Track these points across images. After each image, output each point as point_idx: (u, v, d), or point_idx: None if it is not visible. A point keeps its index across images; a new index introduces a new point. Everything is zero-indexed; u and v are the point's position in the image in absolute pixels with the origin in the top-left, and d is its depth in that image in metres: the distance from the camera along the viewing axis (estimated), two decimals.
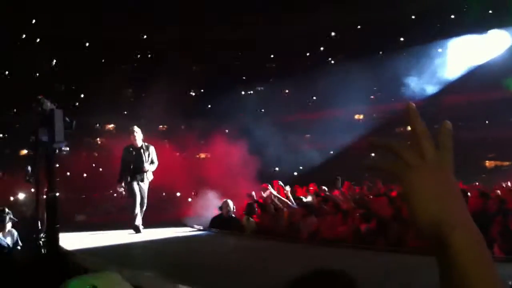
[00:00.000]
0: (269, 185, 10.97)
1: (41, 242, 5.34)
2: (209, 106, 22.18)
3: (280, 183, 11.77)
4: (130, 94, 23.50)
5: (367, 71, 17.43)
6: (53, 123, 5.27)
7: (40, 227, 5.33)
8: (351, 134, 18.23)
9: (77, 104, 19.44)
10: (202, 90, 24.49)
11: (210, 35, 21.66)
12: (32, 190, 5.83)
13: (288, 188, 11.22)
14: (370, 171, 0.96)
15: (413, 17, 20.36)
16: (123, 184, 9.29)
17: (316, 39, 21.77)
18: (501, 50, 18.53)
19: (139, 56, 23.35)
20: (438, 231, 0.87)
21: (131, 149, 9.24)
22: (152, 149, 9.37)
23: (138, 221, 8.97)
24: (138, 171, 9.13)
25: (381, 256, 6.06)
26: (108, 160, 13.84)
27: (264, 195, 10.87)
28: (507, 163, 21.38)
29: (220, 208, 9.94)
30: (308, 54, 22.98)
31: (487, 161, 21.14)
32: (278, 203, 10.02)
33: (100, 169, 18.18)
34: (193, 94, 24.74)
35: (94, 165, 19.33)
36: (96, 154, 20.20)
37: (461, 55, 19.20)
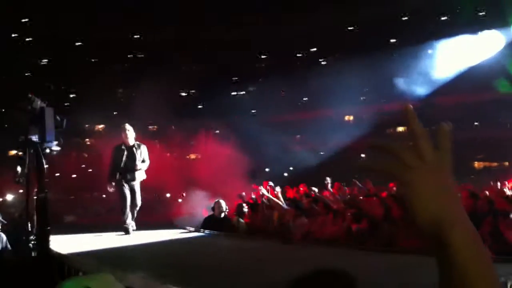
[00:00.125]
0: (261, 186, 10.95)
1: (31, 244, 5.21)
2: (200, 106, 22.14)
3: (271, 183, 11.78)
4: (120, 94, 23.37)
5: (358, 72, 17.48)
6: (44, 122, 5.13)
7: (30, 229, 5.19)
8: (341, 134, 18.27)
9: (66, 104, 19.29)
10: (193, 91, 24.42)
11: (202, 36, 21.64)
12: (21, 191, 5.74)
13: (278, 189, 11.21)
14: (367, 171, 0.97)
15: (404, 18, 20.46)
16: (113, 184, 9.13)
17: (307, 40, 21.79)
18: (493, 51, 18.63)
19: (129, 56, 23.22)
20: (438, 230, 0.89)
21: (122, 147, 9.05)
22: (144, 148, 9.23)
23: (129, 222, 8.87)
24: (129, 170, 8.97)
25: (373, 256, 6.08)
26: (98, 161, 13.74)
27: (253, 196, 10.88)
28: (495, 164, 21.57)
29: (212, 208, 9.90)
30: (299, 55, 23.01)
31: (476, 162, 21.30)
32: (269, 203, 10.01)
33: (90, 170, 18.07)
34: (184, 94, 24.67)
35: (83, 165, 19.21)
36: (86, 155, 20.07)
37: (452, 56, 19.30)
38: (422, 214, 0.91)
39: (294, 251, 6.83)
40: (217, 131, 18.85)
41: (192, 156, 19.52)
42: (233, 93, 23.46)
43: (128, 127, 9.18)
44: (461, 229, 0.88)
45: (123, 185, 8.94)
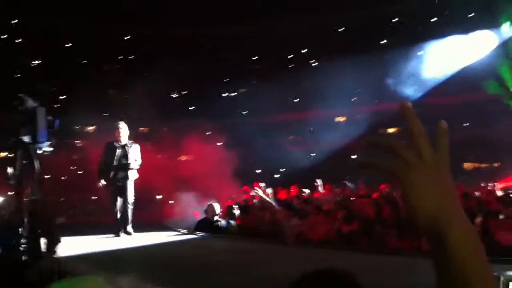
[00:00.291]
0: (256, 188, 10.90)
1: (22, 247, 5.10)
2: (192, 107, 22.06)
3: (262, 185, 11.76)
4: (111, 95, 23.23)
5: (349, 73, 17.51)
6: (36, 122, 5.05)
7: (21, 232, 5.07)
8: (333, 135, 18.30)
9: (57, 105, 19.17)
10: (184, 92, 24.33)
11: (193, 36, 21.58)
12: (9, 193, 5.63)
13: (270, 190, 11.20)
14: (364, 168, 0.97)
15: (395, 19, 20.52)
16: (103, 180, 8.95)
17: (299, 41, 21.80)
18: (484, 52, 18.70)
19: (121, 57, 23.09)
20: (435, 227, 0.90)
21: (115, 145, 8.94)
22: (136, 146, 9.12)
23: (120, 224, 8.79)
24: (123, 169, 8.86)
25: (364, 256, 6.09)
26: (88, 162, 13.66)
27: (252, 194, 10.84)
28: (485, 165, 21.70)
29: (205, 211, 9.82)
30: (291, 56, 22.99)
31: (465, 163, 21.40)
32: (262, 204, 9.97)
33: (80, 171, 17.94)
34: (175, 95, 24.58)
35: (73, 167, 19.07)
36: (76, 156, 19.93)
37: (443, 57, 19.37)
38: (420, 211, 0.92)
39: (287, 251, 6.83)
40: (209, 133, 18.81)
41: (184, 158, 19.45)
42: (224, 94, 23.41)
43: (122, 125, 9.07)
44: (459, 226, 0.89)
45: (115, 185, 8.83)
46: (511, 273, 2.86)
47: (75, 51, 21.40)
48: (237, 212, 10.22)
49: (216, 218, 9.60)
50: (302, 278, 1.49)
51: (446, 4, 18.96)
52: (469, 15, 18.95)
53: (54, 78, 20.92)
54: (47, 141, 5.14)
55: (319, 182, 12.28)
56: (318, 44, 19.87)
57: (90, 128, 22.27)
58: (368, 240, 7.00)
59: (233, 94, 23.76)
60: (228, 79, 22.56)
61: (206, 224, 9.47)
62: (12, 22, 19.93)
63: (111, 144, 9.01)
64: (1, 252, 6.09)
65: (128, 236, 8.66)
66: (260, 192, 10.39)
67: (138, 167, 9.04)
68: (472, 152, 20.80)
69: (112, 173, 8.78)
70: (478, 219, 6.62)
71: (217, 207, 9.74)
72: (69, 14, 18.29)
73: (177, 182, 14.04)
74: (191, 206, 12.26)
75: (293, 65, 22.33)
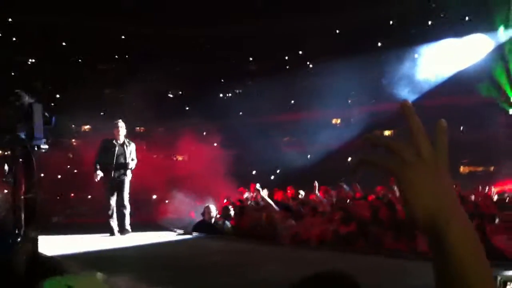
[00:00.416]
0: (260, 188, 10.88)
1: (17, 246, 5.03)
2: (187, 108, 22.02)
3: (258, 186, 11.75)
4: (107, 95, 23.16)
5: (345, 75, 17.52)
6: (32, 118, 4.96)
7: (17, 231, 4.99)
8: (329, 137, 18.32)
9: (53, 104, 19.09)
10: (183, 92, 24.30)
11: (190, 36, 21.54)
12: (5, 191, 5.56)
13: (265, 191, 11.19)
14: (362, 166, 0.96)
15: (391, 22, 20.55)
16: (100, 173, 8.86)
17: (296, 43, 21.81)
18: (480, 55, 18.77)
19: (117, 56, 23.02)
20: (434, 226, 0.89)
21: (114, 142, 8.95)
22: (133, 146, 9.17)
23: (114, 223, 8.77)
24: (120, 167, 8.86)
25: (364, 257, 6.09)
26: (83, 162, 13.62)
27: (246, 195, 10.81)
28: (481, 168, 21.75)
29: (202, 214, 9.79)
30: (287, 57, 23.00)
31: (461, 166, 21.45)
32: (263, 203, 9.94)
33: (75, 171, 17.90)
34: (171, 95, 24.54)
35: (69, 166, 19.03)
36: (71, 155, 19.88)
37: (439, 60, 19.44)
38: (418, 209, 0.91)
39: (283, 252, 6.83)
40: (205, 133, 18.80)
41: (179, 158, 19.44)
42: (221, 95, 23.40)
43: (121, 123, 9.11)
44: (457, 225, 0.89)
45: (112, 183, 8.81)
46: (508, 273, 2.88)
47: (73, 50, 21.35)
48: (232, 213, 10.21)
49: (213, 220, 9.58)
50: (301, 281, 1.47)
51: (443, 7, 19.01)
52: (465, 19, 19.02)
53: (51, 77, 20.87)
54: (44, 138, 5.05)
55: (316, 184, 12.29)
56: (318, 45, 19.84)
57: (86, 127, 22.22)
58: (365, 241, 7.01)
59: (231, 94, 23.75)
60: (228, 79, 22.54)
61: (204, 226, 9.44)
62: (9, 20, 19.86)
63: (109, 142, 9.02)
64: None
65: (125, 236, 8.64)
66: (264, 193, 10.36)
67: (134, 167, 9.06)
68: (468, 156, 20.84)
69: (110, 171, 8.77)
70: (474, 223, 6.62)
71: (214, 209, 9.72)
72: (68, 13, 18.24)
73: (173, 182, 14.04)
74: (187, 206, 12.25)
75: (293, 65, 22.31)
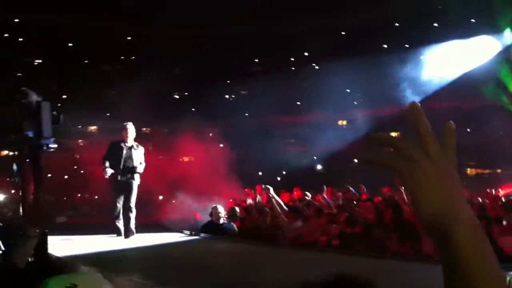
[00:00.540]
0: (271, 189, 10.80)
1: (25, 246, 4.94)
2: (193, 109, 22.03)
3: (264, 186, 11.72)
4: (113, 95, 23.21)
5: (351, 76, 17.49)
6: (40, 117, 4.78)
7: (25, 231, 4.91)
8: (334, 139, 18.27)
9: (59, 104, 19.12)
10: (184, 93, 24.33)
11: (195, 37, 21.56)
12: (13, 191, 5.52)
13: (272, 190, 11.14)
14: (370, 165, 0.96)
15: (396, 24, 20.47)
16: (109, 170, 8.74)
17: (301, 44, 21.77)
18: (487, 57, 18.68)
19: (120, 57, 23.06)
20: (442, 225, 0.89)
21: (122, 145, 8.76)
22: (142, 149, 8.96)
23: (120, 224, 8.72)
24: (128, 171, 8.68)
25: (367, 260, 6.07)
26: (89, 162, 13.65)
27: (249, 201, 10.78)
28: (487, 171, 21.68)
29: (210, 214, 9.75)
30: (292, 59, 22.97)
31: (468, 169, 21.38)
32: (273, 203, 9.86)
33: (81, 171, 17.94)
34: (176, 96, 24.58)
35: (75, 166, 19.10)
36: (78, 156, 19.93)
37: (445, 62, 19.34)
38: (425, 208, 0.91)
39: (288, 254, 6.82)
40: (211, 134, 18.81)
41: (185, 159, 19.45)
42: (225, 95, 23.40)
43: (130, 126, 8.89)
44: (465, 225, 0.88)
45: (120, 185, 8.70)
46: None
47: (73, 50, 21.41)
48: (238, 213, 10.19)
49: (221, 221, 9.52)
50: (314, 283, 1.47)
51: (448, 9, 18.94)
52: (470, 21, 18.94)
53: (54, 77, 20.92)
54: (52, 137, 4.91)
55: (324, 188, 12.27)
56: (318, 45, 19.80)
57: (92, 127, 22.28)
58: (369, 243, 6.99)
59: (231, 94, 23.75)
60: (227, 79, 22.55)
61: (212, 227, 9.37)
62: (15, 20, 19.94)
63: (117, 144, 8.83)
64: (5, 251, 6.01)
65: (130, 237, 8.60)
66: (274, 194, 10.26)
67: (142, 171, 8.91)
68: (474, 158, 20.77)
69: (117, 174, 8.64)
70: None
71: (222, 210, 9.66)
72: (69, 13, 18.28)
73: (178, 183, 14.03)
74: (192, 207, 12.25)
75: (293, 65, 22.29)
